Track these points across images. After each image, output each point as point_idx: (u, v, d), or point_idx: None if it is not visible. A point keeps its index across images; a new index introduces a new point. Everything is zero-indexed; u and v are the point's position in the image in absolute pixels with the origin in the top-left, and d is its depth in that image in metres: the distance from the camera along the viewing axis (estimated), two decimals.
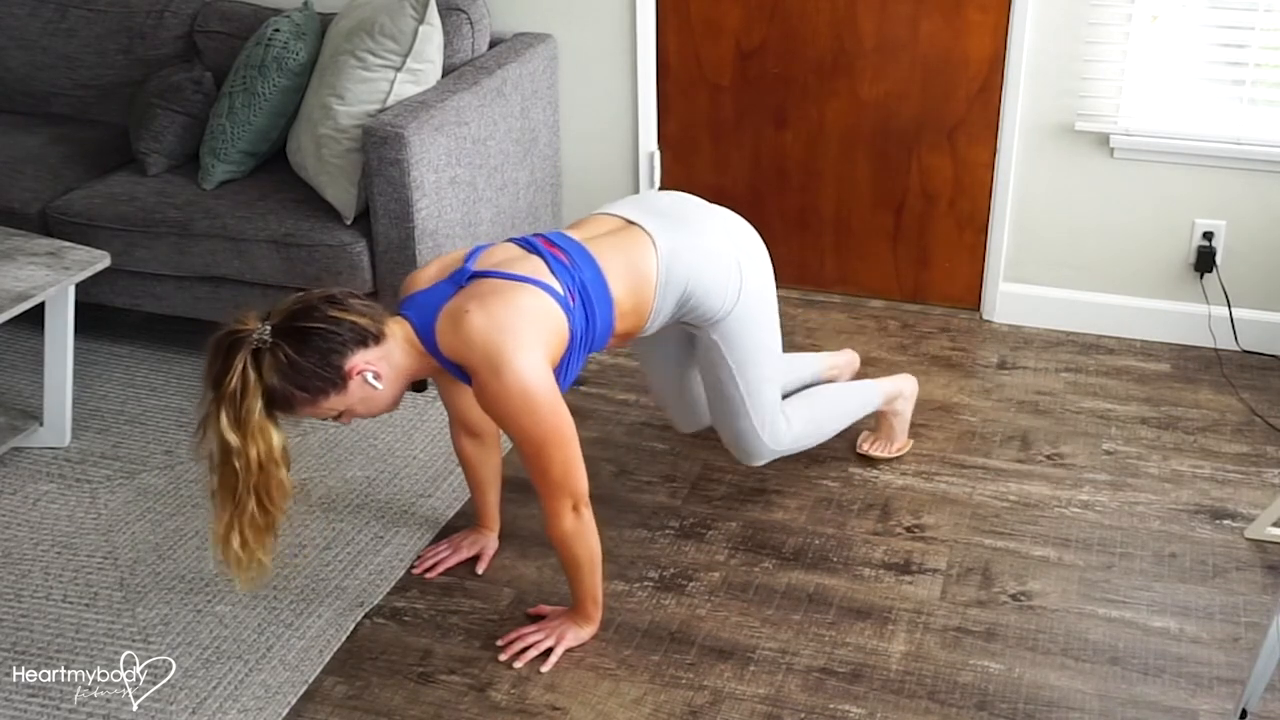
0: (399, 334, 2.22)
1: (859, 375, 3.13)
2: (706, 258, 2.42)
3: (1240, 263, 3.36)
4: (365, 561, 2.68)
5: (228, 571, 2.19)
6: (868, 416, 2.94)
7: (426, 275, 2.32)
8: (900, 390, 2.94)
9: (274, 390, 2.08)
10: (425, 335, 2.22)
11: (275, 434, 2.11)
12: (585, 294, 2.29)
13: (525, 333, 2.18)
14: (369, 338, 2.15)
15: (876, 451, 2.97)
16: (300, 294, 2.18)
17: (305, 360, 2.09)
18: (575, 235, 2.38)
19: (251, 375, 2.06)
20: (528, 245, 2.33)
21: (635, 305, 2.37)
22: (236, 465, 2.08)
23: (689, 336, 2.59)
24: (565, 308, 2.25)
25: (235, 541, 2.13)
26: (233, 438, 2.07)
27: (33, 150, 3.58)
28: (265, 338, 2.08)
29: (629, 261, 2.35)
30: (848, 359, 3.12)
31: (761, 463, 2.74)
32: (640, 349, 2.72)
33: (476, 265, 2.27)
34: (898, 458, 2.97)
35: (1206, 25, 3.21)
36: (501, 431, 2.49)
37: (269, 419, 2.10)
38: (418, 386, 2.33)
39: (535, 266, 2.27)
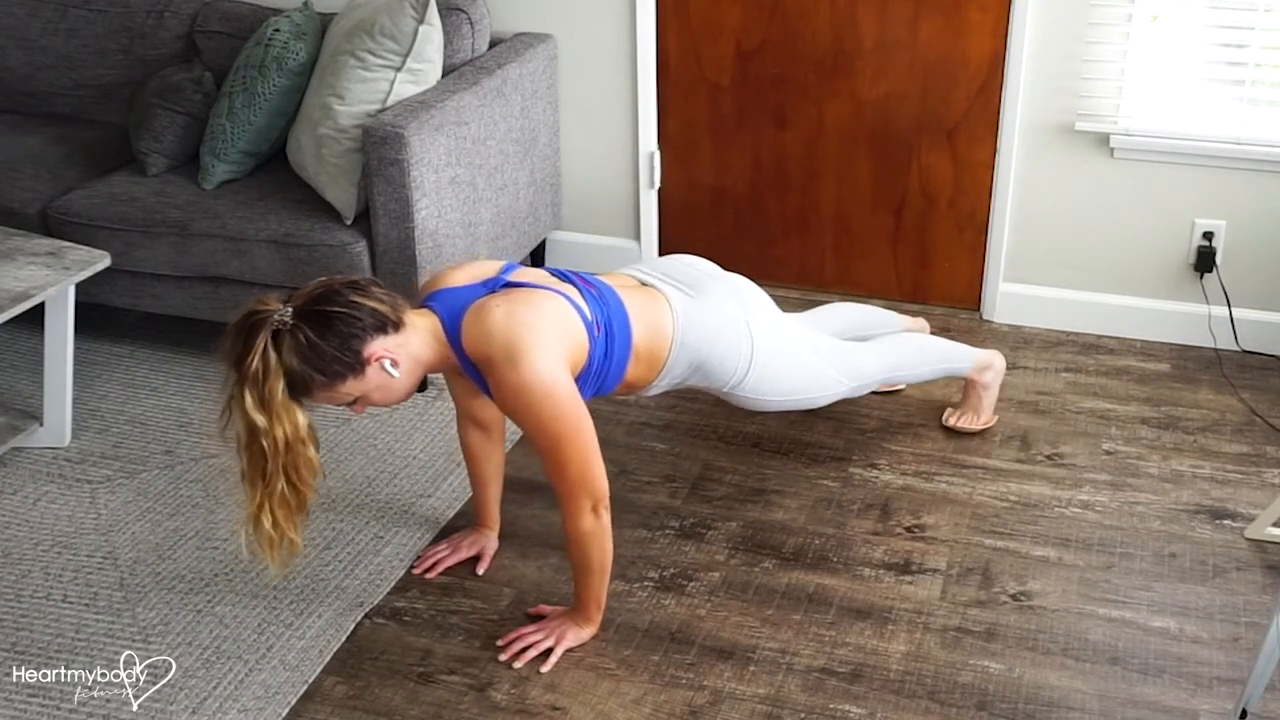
0: (421, 325, 2.24)
1: None
2: (718, 324, 2.51)
3: (1240, 263, 3.36)
4: (365, 561, 2.68)
5: (259, 552, 2.20)
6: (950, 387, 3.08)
7: (457, 276, 2.35)
8: (990, 361, 3.01)
9: (293, 372, 2.10)
10: (451, 329, 2.25)
11: (300, 413, 2.13)
12: (610, 328, 2.34)
13: (547, 332, 2.21)
14: (389, 325, 2.17)
15: (964, 424, 3.04)
16: (323, 279, 2.20)
17: (325, 344, 2.10)
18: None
19: (272, 356, 2.07)
20: (561, 276, 2.40)
21: (649, 356, 2.43)
22: (264, 445, 2.10)
23: None
24: (590, 333, 2.30)
25: (267, 521, 2.14)
26: (259, 418, 2.08)
27: (33, 150, 3.58)
28: (286, 320, 2.09)
29: (647, 314, 2.44)
30: (920, 323, 3.26)
31: (862, 394, 2.88)
32: None
33: (512, 278, 2.31)
34: (896, 457, 2.97)
35: (1206, 25, 3.21)
36: (507, 427, 2.50)
37: (293, 399, 2.11)
38: (420, 386, 2.34)
39: (568, 290, 2.34)
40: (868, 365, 2.81)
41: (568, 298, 2.30)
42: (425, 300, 2.31)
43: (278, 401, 2.08)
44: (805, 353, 2.70)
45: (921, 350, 2.96)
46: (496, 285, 2.30)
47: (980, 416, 3.06)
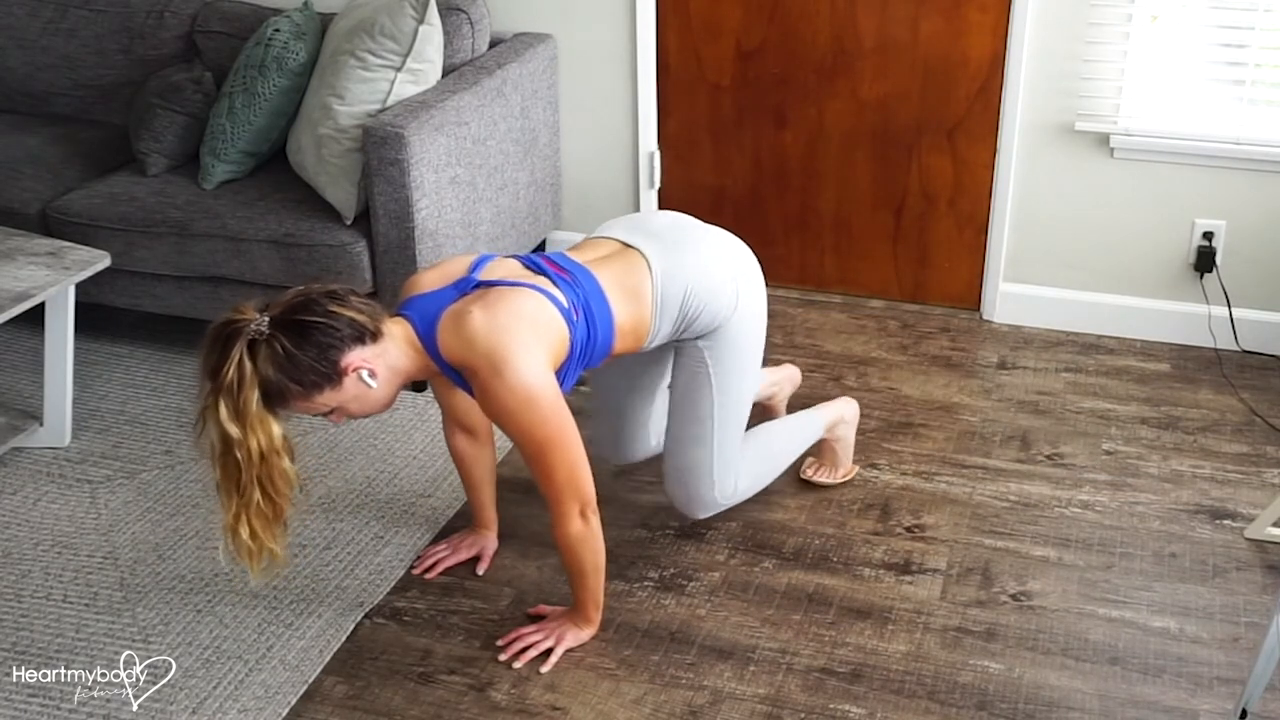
0: (398, 334, 2.22)
1: (794, 399, 3.06)
2: (702, 276, 2.41)
3: (1240, 263, 3.36)
4: (365, 561, 2.68)
5: (240, 563, 2.18)
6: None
7: (428, 280, 2.32)
8: (841, 415, 2.86)
9: (269, 382, 2.08)
10: (426, 336, 2.22)
11: (275, 424, 2.11)
12: (589, 310, 2.30)
13: (527, 334, 2.19)
14: (366, 335, 2.15)
15: (821, 478, 2.89)
16: (300, 288, 2.18)
17: (302, 354, 2.08)
18: (576, 258, 2.40)
19: (248, 366, 2.06)
20: (532, 264, 2.35)
21: (634, 327, 2.38)
22: (238, 456, 2.08)
23: (662, 356, 2.57)
24: (569, 320, 2.26)
25: (244, 533, 2.13)
26: (233, 429, 2.07)
27: (33, 150, 3.58)
28: (263, 329, 2.08)
29: (627, 285, 2.37)
30: (788, 374, 3.03)
31: (704, 515, 2.63)
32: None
33: (482, 275, 2.28)
34: (896, 457, 2.97)
35: (1206, 25, 3.21)
36: (497, 430, 2.49)
37: (267, 410, 2.10)
38: (417, 386, 2.33)
39: (540, 280, 2.29)
40: (740, 485, 2.62)
41: (541, 289, 2.26)
42: (400, 308, 2.29)
43: (252, 412, 2.07)
44: (756, 385, 2.59)
45: (772, 457, 2.73)
46: (468, 286, 2.26)
47: (839, 469, 2.90)
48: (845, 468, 2.92)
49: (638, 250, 2.41)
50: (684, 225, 2.53)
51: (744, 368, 2.52)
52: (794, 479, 2.90)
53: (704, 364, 2.48)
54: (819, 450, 2.92)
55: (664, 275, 2.38)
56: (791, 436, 2.80)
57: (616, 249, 2.43)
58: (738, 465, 2.58)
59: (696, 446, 2.54)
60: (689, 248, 2.45)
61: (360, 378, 2.15)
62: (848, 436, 2.90)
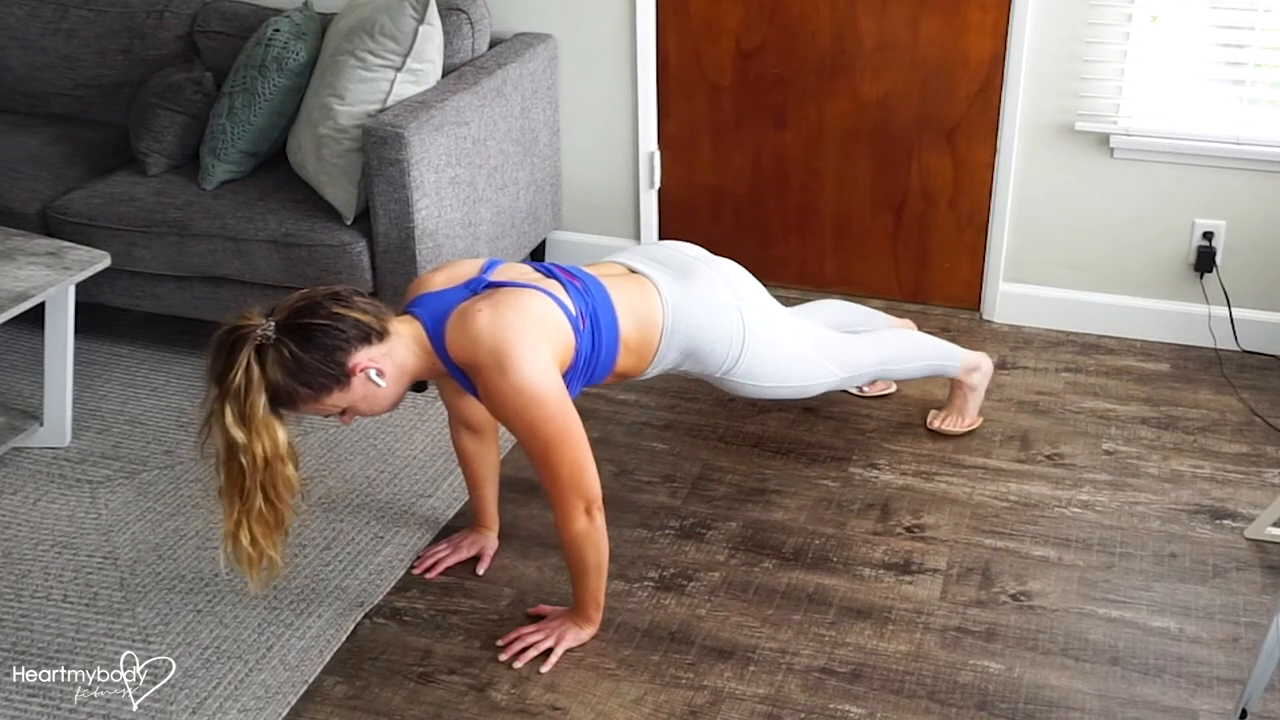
0: (406, 332, 2.23)
1: None
2: (710, 310, 2.48)
3: (1240, 263, 3.36)
4: (365, 561, 2.68)
5: (239, 570, 2.19)
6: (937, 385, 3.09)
7: (437, 280, 2.33)
8: (979, 364, 3.02)
9: (277, 386, 2.09)
10: (435, 335, 2.23)
11: (280, 429, 2.11)
12: (596, 320, 2.32)
13: (533, 333, 2.20)
14: (373, 335, 2.16)
15: (949, 427, 3.04)
16: (305, 291, 2.19)
17: (309, 356, 2.09)
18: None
19: (255, 371, 2.06)
20: (544, 269, 2.38)
21: (639, 345, 2.41)
22: (243, 461, 2.08)
23: None
24: (575, 327, 2.28)
25: (245, 539, 2.13)
26: (238, 434, 2.07)
27: (33, 150, 3.58)
28: (269, 334, 2.08)
29: (636, 303, 2.42)
30: (906, 324, 3.27)
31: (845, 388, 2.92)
32: None
33: (493, 277, 2.29)
34: (896, 457, 2.97)
35: (1206, 25, 3.21)
36: (501, 429, 2.50)
37: (273, 415, 2.10)
38: (417, 386, 2.34)
39: (551, 285, 2.32)
40: (861, 355, 2.81)
41: (550, 293, 2.28)
42: (408, 307, 2.30)
43: (258, 417, 2.07)
44: (797, 339, 2.68)
45: (914, 346, 2.96)
46: (479, 286, 2.28)
47: (965, 419, 3.06)
48: (971, 418, 3.06)
49: (647, 277, 2.46)
50: (685, 254, 2.60)
51: (777, 368, 2.62)
52: (798, 479, 2.91)
53: (746, 387, 2.62)
54: (950, 398, 3.07)
55: (674, 303, 2.44)
56: (932, 344, 2.99)
57: (625, 272, 2.49)
58: (826, 357, 2.72)
59: (800, 385, 2.72)
60: (694, 278, 2.51)
61: (369, 377, 2.16)
62: (980, 387, 3.04)
